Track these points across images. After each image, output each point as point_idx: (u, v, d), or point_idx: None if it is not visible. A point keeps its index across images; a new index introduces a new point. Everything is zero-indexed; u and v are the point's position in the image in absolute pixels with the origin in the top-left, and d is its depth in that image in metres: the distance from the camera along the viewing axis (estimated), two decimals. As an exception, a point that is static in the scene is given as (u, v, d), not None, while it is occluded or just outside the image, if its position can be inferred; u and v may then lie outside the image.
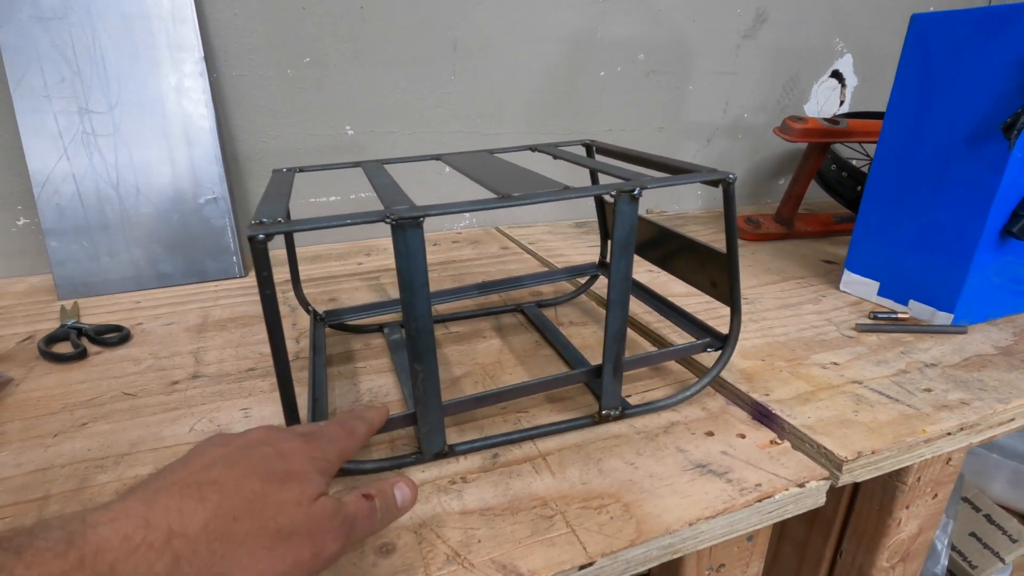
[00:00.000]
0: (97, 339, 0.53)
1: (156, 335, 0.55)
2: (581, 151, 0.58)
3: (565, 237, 0.88)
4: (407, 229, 0.31)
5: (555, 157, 0.52)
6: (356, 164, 0.52)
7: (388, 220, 0.30)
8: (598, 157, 0.58)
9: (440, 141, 0.86)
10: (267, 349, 0.45)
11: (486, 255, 0.80)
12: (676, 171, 0.41)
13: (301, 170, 0.51)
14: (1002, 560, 0.70)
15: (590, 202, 0.96)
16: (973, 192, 0.53)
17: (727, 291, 0.42)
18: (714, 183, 0.38)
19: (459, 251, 0.82)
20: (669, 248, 0.50)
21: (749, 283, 0.68)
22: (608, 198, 0.62)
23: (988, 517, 0.74)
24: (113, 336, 0.54)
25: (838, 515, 0.49)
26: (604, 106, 0.95)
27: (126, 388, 0.46)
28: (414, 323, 0.32)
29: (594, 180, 0.61)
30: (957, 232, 0.55)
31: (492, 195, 0.34)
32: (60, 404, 0.44)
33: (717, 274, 0.43)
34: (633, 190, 0.35)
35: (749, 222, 0.87)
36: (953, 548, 0.72)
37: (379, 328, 0.56)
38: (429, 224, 0.90)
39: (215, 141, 0.69)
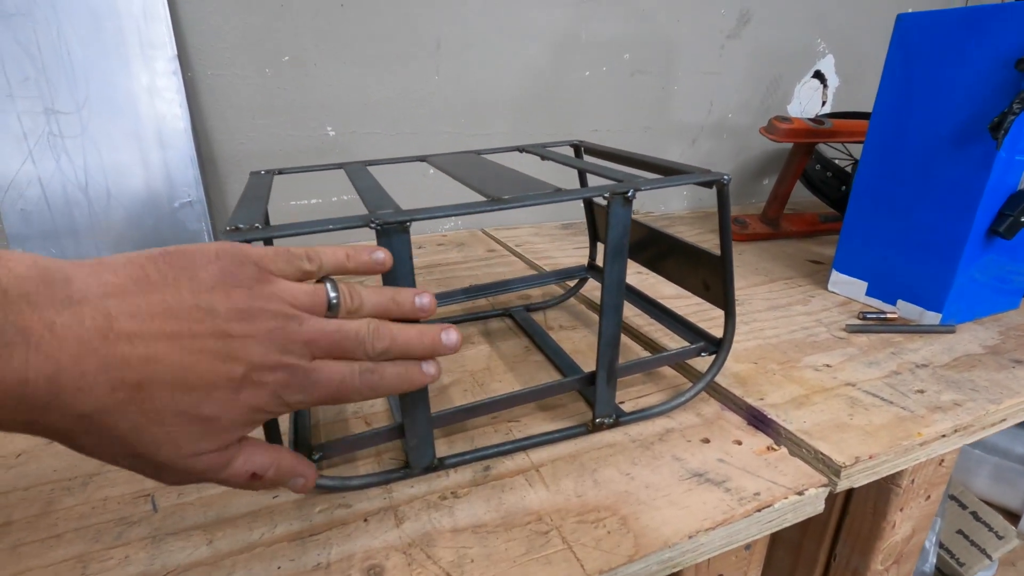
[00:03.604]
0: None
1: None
2: (569, 152, 0.57)
3: (553, 239, 0.87)
4: (393, 234, 0.29)
5: (543, 158, 0.51)
6: (339, 166, 0.50)
7: (373, 225, 0.29)
8: (586, 158, 0.57)
9: (425, 142, 0.84)
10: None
11: (472, 258, 0.78)
12: (668, 172, 0.40)
13: (280, 172, 0.49)
14: (989, 557, 0.71)
15: (576, 203, 0.95)
16: (960, 192, 0.53)
17: (721, 294, 0.41)
18: (708, 184, 0.37)
19: (445, 254, 0.80)
20: (659, 249, 0.49)
21: (737, 284, 0.68)
22: (600, 200, 0.61)
23: (975, 514, 0.75)
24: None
25: (832, 518, 0.49)
26: (590, 106, 0.94)
27: (96, 402, 0.43)
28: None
29: (583, 181, 0.60)
30: (944, 232, 0.55)
31: (480, 197, 0.33)
32: (24, 421, 0.41)
33: (710, 276, 0.43)
34: (627, 192, 0.34)
35: (736, 222, 0.87)
36: (941, 546, 0.73)
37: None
38: (413, 227, 0.88)
39: (190, 142, 0.66)
